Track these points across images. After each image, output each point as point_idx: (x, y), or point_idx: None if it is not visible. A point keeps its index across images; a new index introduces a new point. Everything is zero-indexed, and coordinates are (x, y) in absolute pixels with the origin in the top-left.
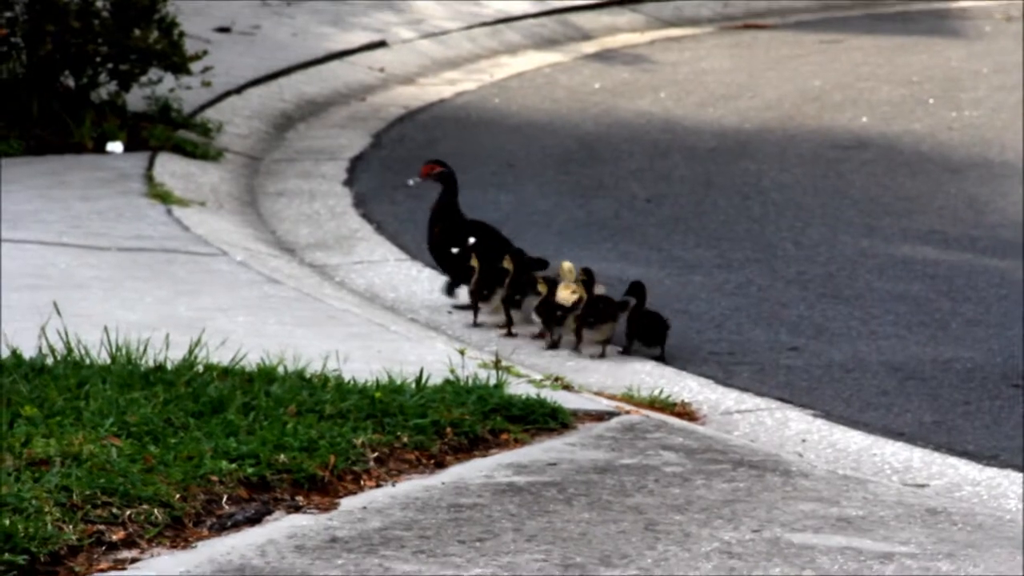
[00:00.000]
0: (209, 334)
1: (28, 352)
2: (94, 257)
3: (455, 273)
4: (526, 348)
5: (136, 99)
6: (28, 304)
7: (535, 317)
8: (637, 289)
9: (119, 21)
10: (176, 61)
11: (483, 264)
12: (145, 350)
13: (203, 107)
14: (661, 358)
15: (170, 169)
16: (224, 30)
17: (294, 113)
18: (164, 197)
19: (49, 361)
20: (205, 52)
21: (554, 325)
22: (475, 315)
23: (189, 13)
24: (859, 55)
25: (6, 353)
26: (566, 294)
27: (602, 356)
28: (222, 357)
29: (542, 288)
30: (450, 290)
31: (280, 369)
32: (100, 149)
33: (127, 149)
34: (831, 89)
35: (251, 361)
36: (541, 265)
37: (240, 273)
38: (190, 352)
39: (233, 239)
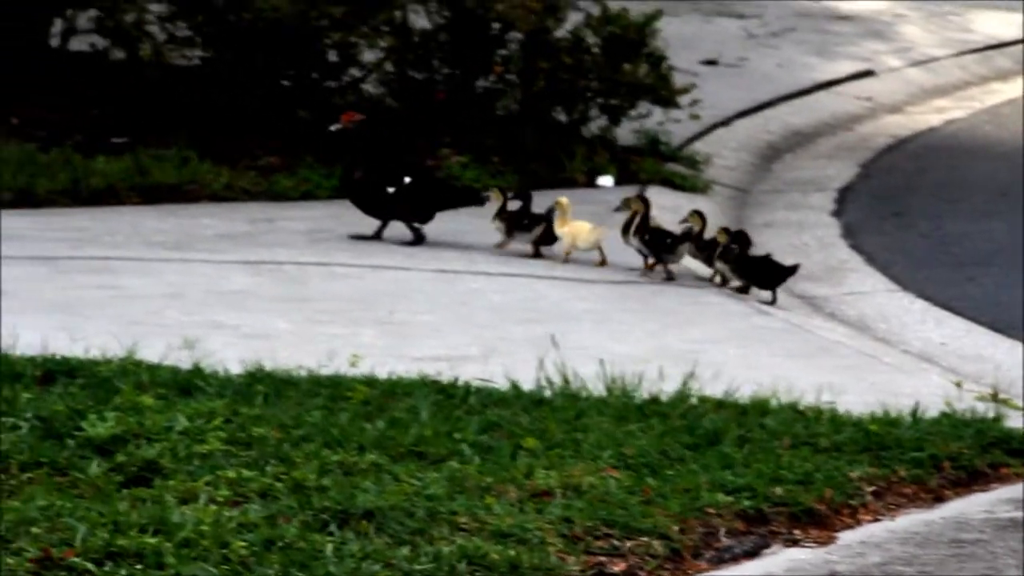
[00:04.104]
0: (700, 366)
1: (526, 384)
2: (584, 290)
3: (390, 212)
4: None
5: (625, 133)
6: (524, 336)
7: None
8: (740, 236)
9: (609, 56)
10: (664, 95)
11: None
12: (639, 382)
13: (691, 140)
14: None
15: (659, 202)
16: (711, 63)
17: (781, 144)
18: None
19: (547, 393)
20: (693, 85)
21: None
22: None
23: (677, 47)
24: None
25: (506, 385)
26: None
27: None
28: (715, 389)
29: (695, 222)
30: (379, 233)
31: (773, 401)
32: (591, 183)
33: (617, 183)
34: None
35: (744, 393)
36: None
37: (730, 304)
38: (683, 384)
39: None
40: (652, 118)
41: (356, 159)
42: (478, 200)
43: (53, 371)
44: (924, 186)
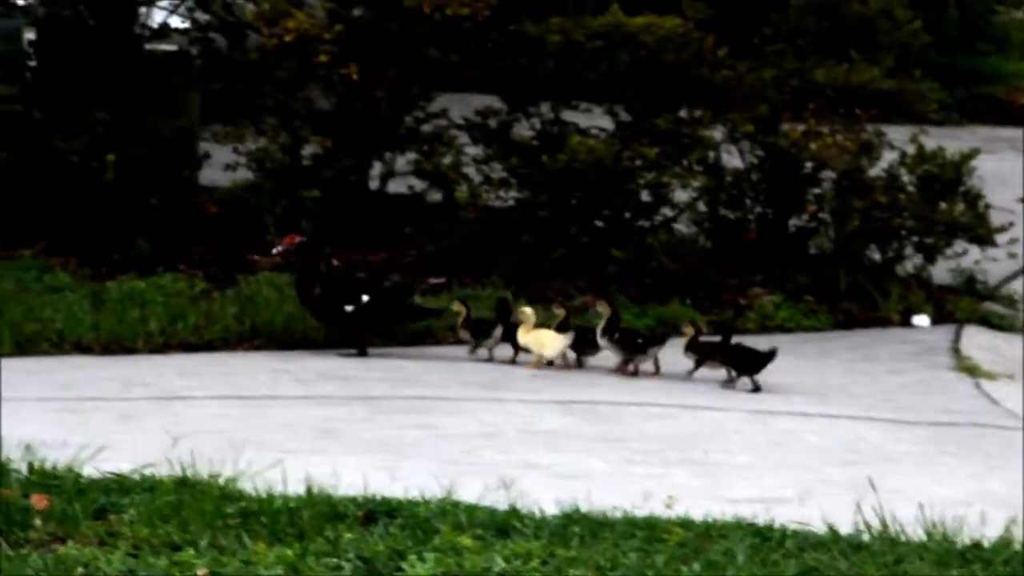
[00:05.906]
0: None
1: (844, 528)
2: (904, 431)
3: (349, 329)
4: None
5: (940, 271)
6: (841, 478)
7: (688, 355)
8: (723, 328)
9: (925, 195)
10: (981, 233)
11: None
12: (960, 527)
13: (1008, 278)
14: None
15: (976, 342)
16: None
17: None
18: (971, 371)
19: (865, 537)
20: (1010, 223)
21: (706, 360)
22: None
23: (994, 184)
24: None
25: (823, 528)
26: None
27: None
28: None
29: (688, 330)
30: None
31: None
32: (906, 322)
33: (933, 322)
34: None
35: None
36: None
37: None
38: (1006, 529)
39: None
40: (968, 256)
41: (309, 277)
42: (435, 315)
43: (374, 511)
44: None
